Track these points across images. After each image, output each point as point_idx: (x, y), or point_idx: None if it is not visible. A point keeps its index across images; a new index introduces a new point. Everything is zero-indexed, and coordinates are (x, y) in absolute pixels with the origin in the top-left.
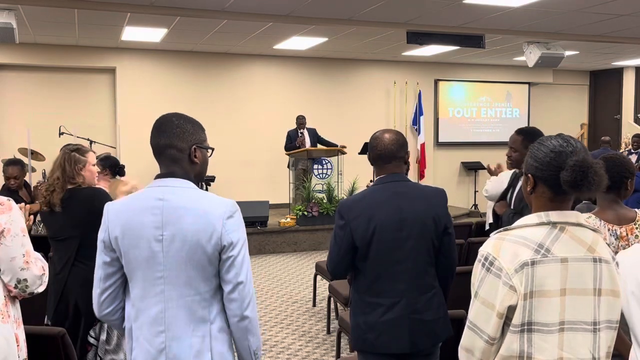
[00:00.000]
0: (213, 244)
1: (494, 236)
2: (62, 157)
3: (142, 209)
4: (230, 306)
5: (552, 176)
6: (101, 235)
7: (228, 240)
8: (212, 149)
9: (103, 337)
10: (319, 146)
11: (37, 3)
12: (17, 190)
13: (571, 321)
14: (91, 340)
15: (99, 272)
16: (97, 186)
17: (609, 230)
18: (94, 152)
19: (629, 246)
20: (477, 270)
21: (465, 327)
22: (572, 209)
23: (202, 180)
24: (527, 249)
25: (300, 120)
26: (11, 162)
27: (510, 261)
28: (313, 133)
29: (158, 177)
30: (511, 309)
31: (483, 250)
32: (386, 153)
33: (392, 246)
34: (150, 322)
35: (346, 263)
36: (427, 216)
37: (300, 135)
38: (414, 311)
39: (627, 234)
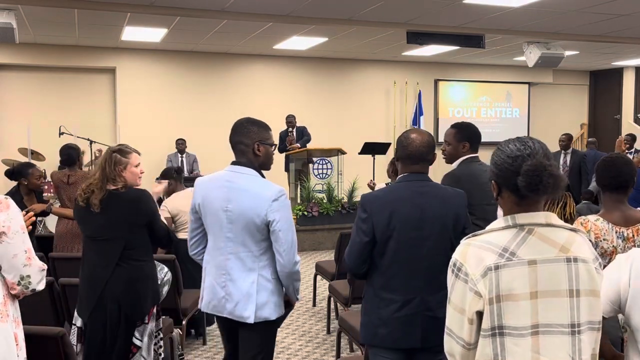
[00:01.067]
0: (261, 218)
1: (462, 242)
2: (103, 157)
3: (216, 186)
4: (278, 264)
5: (511, 181)
6: (192, 201)
7: (272, 217)
8: (275, 145)
9: (146, 338)
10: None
11: (37, 3)
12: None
13: (546, 324)
14: (137, 342)
15: (190, 226)
16: (141, 188)
17: (616, 232)
18: (138, 153)
19: (635, 247)
20: (449, 276)
21: (444, 333)
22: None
23: (267, 169)
24: (492, 253)
25: (289, 119)
26: (31, 165)
27: (476, 266)
28: (300, 131)
29: (232, 163)
30: (480, 315)
31: (453, 256)
32: (417, 155)
33: (411, 245)
34: (217, 266)
35: (365, 256)
36: (448, 216)
37: (289, 134)
38: (427, 309)
39: (633, 235)
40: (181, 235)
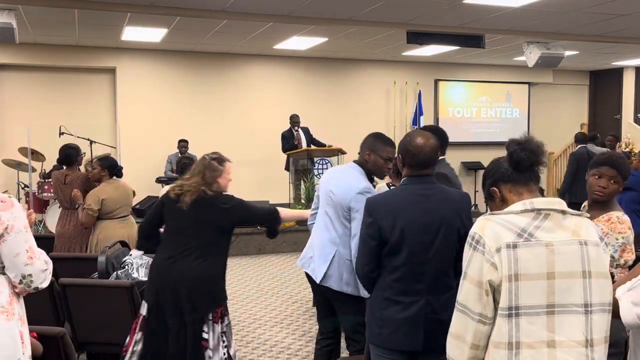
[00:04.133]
0: (347, 205)
1: (481, 217)
2: (201, 164)
3: (331, 174)
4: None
5: (504, 167)
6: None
7: (352, 206)
8: (391, 160)
9: (215, 339)
10: (312, 146)
11: (37, 3)
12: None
13: (561, 304)
14: (205, 336)
15: (314, 200)
16: (229, 194)
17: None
18: (231, 163)
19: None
20: (466, 250)
21: (455, 312)
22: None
23: (378, 177)
24: (510, 232)
25: (295, 119)
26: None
27: (494, 240)
28: (306, 131)
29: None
30: (497, 291)
31: (471, 231)
32: (427, 161)
33: (418, 248)
34: (315, 232)
35: (375, 262)
36: (454, 219)
37: (295, 133)
38: (432, 311)
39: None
40: None
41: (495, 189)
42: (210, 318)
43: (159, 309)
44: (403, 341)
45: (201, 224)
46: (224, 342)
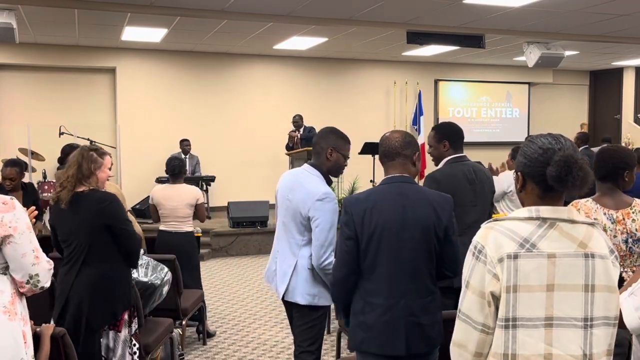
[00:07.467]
0: (305, 213)
1: (484, 225)
2: (79, 154)
3: (288, 178)
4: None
5: (539, 172)
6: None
7: (312, 214)
8: (346, 157)
9: (119, 347)
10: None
11: (37, 3)
12: (8, 192)
13: (560, 317)
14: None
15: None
16: (108, 191)
17: (605, 214)
18: (111, 157)
19: (627, 230)
20: (468, 259)
21: (457, 321)
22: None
23: (335, 175)
24: (512, 242)
25: (294, 120)
26: (10, 163)
27: (496, 250)
28: (308, 131)
29: (307, 162)
30: (495, 298)
31: (474, 240)
32: (390, 150)
33: (394, 246)
34: (276, 243)
35: (353, 264)
36: (429, 220)
37: (294, 134)
38: (411, 314)
39: (623, 218)
40: (162, 226)
41: (520, 175)
42: (111, 329)
43: (61, 325)
44: (386, 346)
45: (81, 224)
46: (131, 340)
